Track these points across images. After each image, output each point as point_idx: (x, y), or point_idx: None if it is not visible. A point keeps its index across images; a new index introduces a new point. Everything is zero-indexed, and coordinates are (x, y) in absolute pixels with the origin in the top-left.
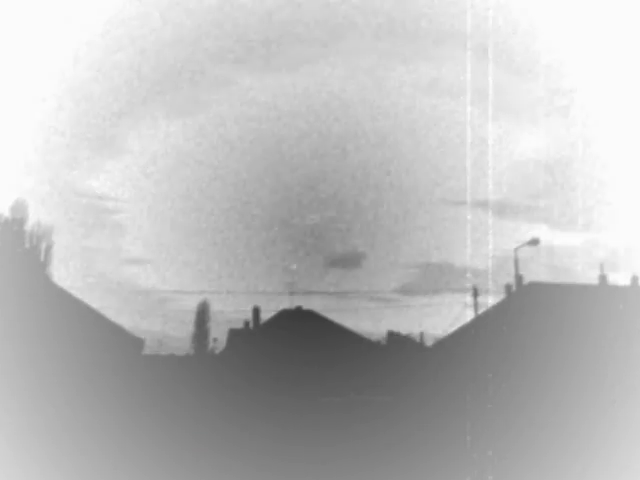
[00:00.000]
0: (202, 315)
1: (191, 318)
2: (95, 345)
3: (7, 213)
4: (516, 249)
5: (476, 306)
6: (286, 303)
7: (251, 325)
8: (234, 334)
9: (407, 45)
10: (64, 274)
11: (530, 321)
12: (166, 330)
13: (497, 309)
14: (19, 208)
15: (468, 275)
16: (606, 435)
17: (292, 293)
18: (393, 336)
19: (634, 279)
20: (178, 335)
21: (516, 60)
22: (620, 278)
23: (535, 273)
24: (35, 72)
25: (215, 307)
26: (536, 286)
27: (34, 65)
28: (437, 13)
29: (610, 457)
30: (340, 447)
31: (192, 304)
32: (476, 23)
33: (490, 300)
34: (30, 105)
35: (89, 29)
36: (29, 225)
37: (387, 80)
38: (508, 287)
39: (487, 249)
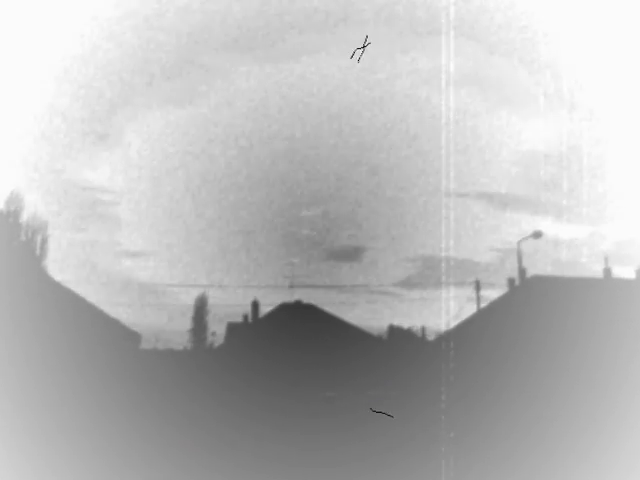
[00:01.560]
0: (200, 309)
1: (189, 312)
2: (91, 339)
3: (2, 205)
4: (519, 242)
5: (479, 300)
6: (285, 296)
7: (250, 319)
8: (233, 328)
9: (406, 35)
10: (60, 267)
11: (534, 315)
12: (164, 324)
13: (500, 303)
14: (14, 200)
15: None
16: (614, 430)
17: (291, 286)
18: (394, 330)
19: (639, 272)
20: (176, 329)
21: (518, 52)
22: (625, 271)
23: (539, 266)
24: (32, 65)
25: (213, 301)
26: (539, 279)
27: (32, 57)
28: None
29: (619, 453)
30: (340, 439)
31: (190, 297)
32: (474, 16)
33: (493, 293)
34: (23, 97)
35: (88, 18)
36: (24, 217)
37: (385, 71)
38: (511, 281)
39: (488, 242)
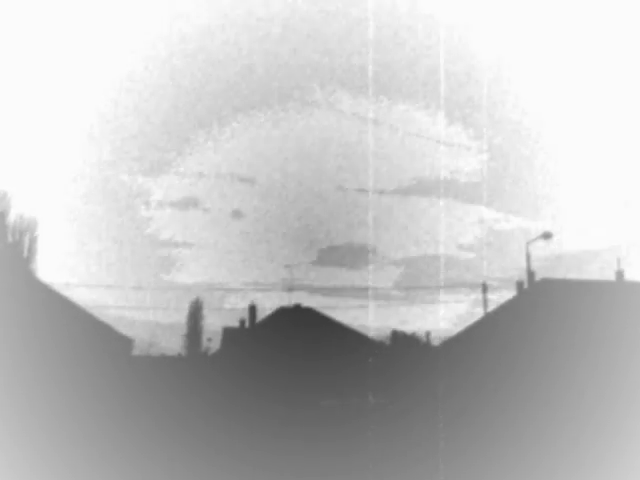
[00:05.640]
0: (195, 313)
1: (183, 317)
2: (81, 344)
3: None
4: (528, 243)
5: (485, 303)
6: (284, 300)
7: (247, 324)
8: (229, 333)
9: None
10: (48, 269)
11: (543, 319)
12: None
13: (508, 307)
14: (1, 201)
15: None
16: (629, 433)
17: (290, 290)
18: (397, 335)
19: None
20: (168, 337)
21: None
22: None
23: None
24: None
25: (209, 305)
26: (549, 282)
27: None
28: None
29: (633, 458)
30: (340, 449)
31: (185, 301)
32: None
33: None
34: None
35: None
36: (12, 218)
37: None
38: (519, 284)
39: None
